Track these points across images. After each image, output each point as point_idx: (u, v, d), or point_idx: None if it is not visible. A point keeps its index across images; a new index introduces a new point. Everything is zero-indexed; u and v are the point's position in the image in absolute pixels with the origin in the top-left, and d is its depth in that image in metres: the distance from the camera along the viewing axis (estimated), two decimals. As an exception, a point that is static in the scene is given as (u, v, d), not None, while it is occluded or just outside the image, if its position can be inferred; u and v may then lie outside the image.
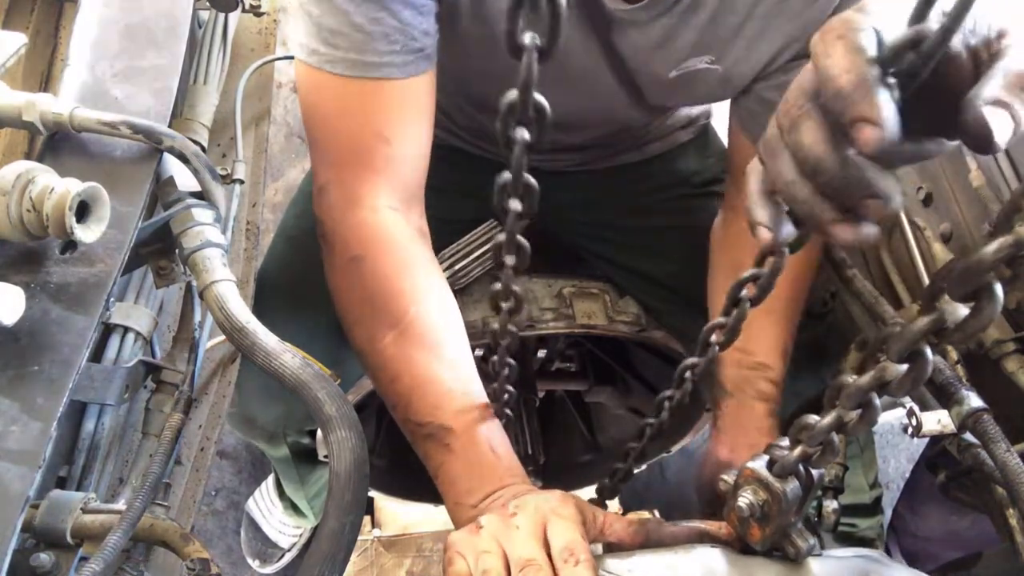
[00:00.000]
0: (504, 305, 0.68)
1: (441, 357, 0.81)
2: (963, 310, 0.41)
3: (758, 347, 0.99)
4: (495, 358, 0.78)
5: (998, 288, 0.39)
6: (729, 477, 0.66)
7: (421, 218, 0.89)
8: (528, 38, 0.47)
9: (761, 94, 0.95)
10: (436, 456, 0.77)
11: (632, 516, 0.71)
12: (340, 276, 0.84)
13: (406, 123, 0.84)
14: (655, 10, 0.85)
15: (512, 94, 0.50)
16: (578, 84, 0.96)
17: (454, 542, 0.65)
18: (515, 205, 0.58)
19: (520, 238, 0.63)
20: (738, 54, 0.90)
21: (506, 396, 0.82)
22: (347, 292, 0.84)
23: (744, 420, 0.97)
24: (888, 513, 1.77)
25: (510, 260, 0.64)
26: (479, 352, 1.46)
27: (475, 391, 0.80)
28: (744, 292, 0.64)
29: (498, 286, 0.66)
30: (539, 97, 0.51)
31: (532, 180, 0.57)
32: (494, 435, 0.78)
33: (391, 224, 0.84)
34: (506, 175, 0.56)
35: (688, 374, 0.77)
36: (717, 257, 1.11)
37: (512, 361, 0.79)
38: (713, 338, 0.71)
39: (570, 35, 0.88)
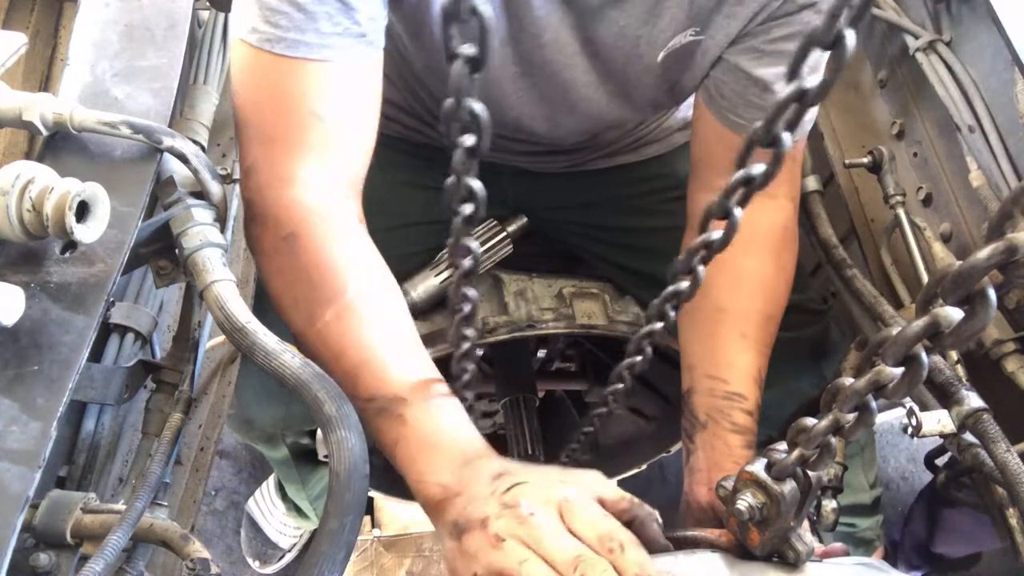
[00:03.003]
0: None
1: (385, 330, 0.79)
2: (958, 314, 0.41)
3: (731, 374, 0.95)
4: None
5: (991, 293, 0.40)
6: (727, 482, 0.66)
7: (359, 209, 0.85)
8: (462, 48, 0.49)
9: (729, 60, 0.93)
10: (390, 432, 0.74)
11: (624, 493, 0.70)
12: (273, 257, 0.81)
13: (344, 107, 0.82)
14: None
15: (449, 102, 0.52)
16: (555, 83, 0.95)
17: (485, 570, 0.62)
18: (466, 209, 0.60)
19: (473, 243, 0.64)
20: (720, 22, 0.89)
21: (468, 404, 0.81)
22: (281, 274, 0.81)
23: (719, 456, 0.92)
24: (888, 513, 1.77)
25: (466, 263, 0.65)
26: (479, 352, 1.47)
27: (425, 364, 0.78)
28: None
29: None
30: (476, 104, 0.52)
31: (479, 185, 0.59)
32: (449, 404, 0.76)
33: (324, 201, 0.82)
34: (451, 180, 0.58)
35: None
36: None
37: (471, 332, 0.77)
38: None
39: (543, 31, 0.88)
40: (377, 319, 0.79)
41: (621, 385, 0.85)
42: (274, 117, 0.80)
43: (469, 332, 0.75)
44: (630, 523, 0.67)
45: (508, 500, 0.64)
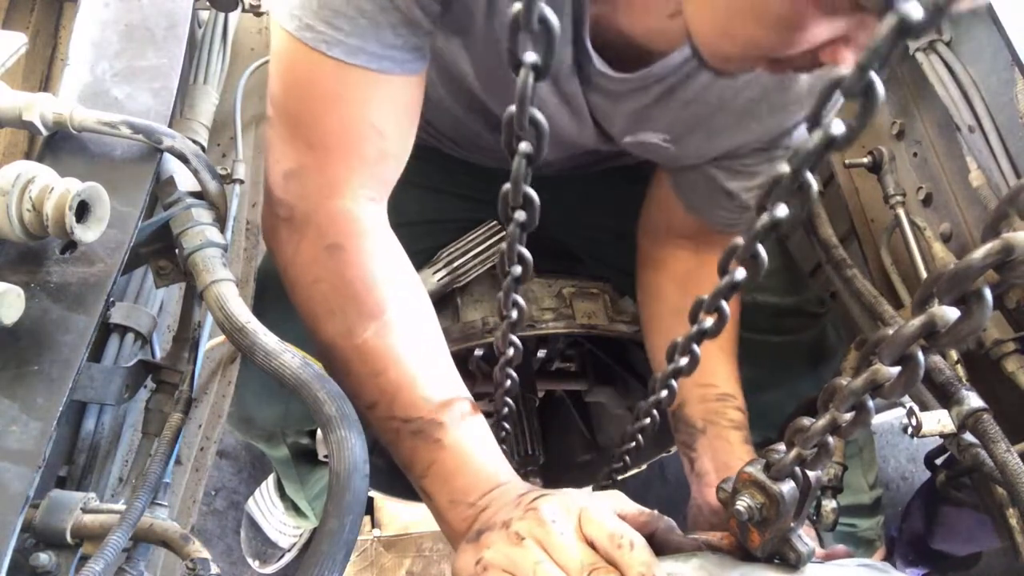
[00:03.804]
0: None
1: (424, 351, 0.79)
2: (954, 314, 0.41)
3: (718, 379, 0.98)
4: (497, 368, 0.78)
5: (987, 292, 0.40)
6: (727, 483, 0.66)
7: (386, 216, 0.86)
8: (529, 56, 0.49)
9: (706, 171, 0.96)
10: (426, 454, 0.74)
11: (644, 509, 0.71)
12: (311, 266, 0.80)
13: (398, 120, 0.81)
14: (635, 84, 0.84)
15: (512, 109, 0.52)
16: (567, 114, 0.95)
17: (494, 560, 0.63)
18: (519, 215, 0.60)
19: (523, 249, 0.64)
20: (697, 142, 0.90)
21: (505, 409, 0.83)
22: (318, 283, 0.80)
23: (724, 455, 0.93)
24: (888, 513, 1.77)
25: (516, 270, 0.65)
26: (479, 352, 1.47)
27: (459, 386, 0.79)
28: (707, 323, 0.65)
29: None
30: (536, 113, 0.52)
31: (533, 193, 0.59)
32: (483, 430, 0.77)
33: (371, 215, 0.82)
34: (507, 186, 0.58)
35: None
36: (651, 311, 1.11)
37: (514, 373, 0.78)
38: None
39: (567, 71, 0.87)
40: (417, 340, 0.79)
41: (633, 444, 0.90)
42: (328, 125, 0.79)
43: (515, 340, 0.75)
44: (652, 535, 0.68)
45: (531, 506, 0.66)
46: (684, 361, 0.70)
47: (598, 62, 0.82)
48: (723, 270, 0.59)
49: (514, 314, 0.70)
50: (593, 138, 0.98)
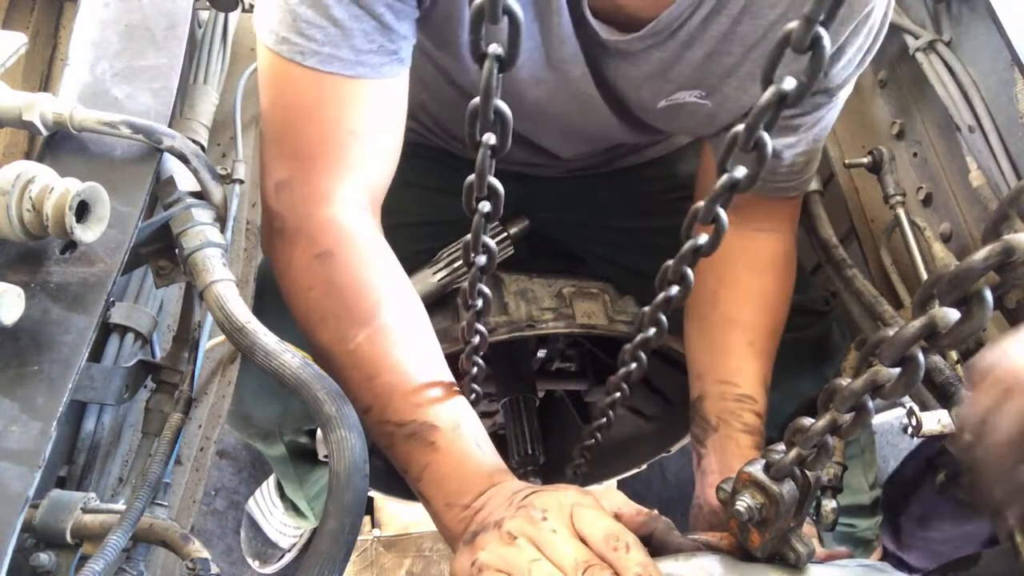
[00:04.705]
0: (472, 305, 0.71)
1: (417, 354, 0.80)
2: (954, 315, 0.41)
3: (741, 379, 0.97)
4: (463, 356, 0.78)
5: (987, 294, 0.40)
6: (727, 484, 0.66)
7: (379, 221, 0.87)
8: (492, 48, 0.49)
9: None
10: (421, 457, 0.75)
11: (642, 508, 0.71)
12: (303, 273, 0.81)
13: (378, 123, 0.82)
14: (649, 41, 0.85)
15: (475, 101, 0.53)
16: (574, 104, 0.96)
17: (488, 561, 0.63)
18: (484, 206, 0.61)
19: (488, 239, 0.65)
20: (729, 92, 0.90)
21: (474, 396, 0.83)
22: (311, 290, 0.81)
23: (731, 457, 0.93)
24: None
25: (480, 260, 0.66)
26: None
27: (452, 388, 0.79)
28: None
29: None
30: (501, 104, 0.53)
31: (498, 183, 0.59)
32: (477, 430, 0.77)
33: (359, 222, 0.83)
34: (472, 177, 0.59)
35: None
36: (703, 308, 1.07)
37: (481, 361, 0.79)
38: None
39: (570, 57, 0.88)
40: (409, 344, 0.79)
41: (619, 394, 0.87)
42: (309, 134, 0.80)
43: (481, 328, 0.76)
44: (650, 536, 0.68)
45: (522, 503, 0.66)
46: (652, 331, 0.70)
47: (603, 30, 0.83)
48: (686, 235, 0.59)
49: (480, 303, 0.71)
50: (612, 121, 0.98)
